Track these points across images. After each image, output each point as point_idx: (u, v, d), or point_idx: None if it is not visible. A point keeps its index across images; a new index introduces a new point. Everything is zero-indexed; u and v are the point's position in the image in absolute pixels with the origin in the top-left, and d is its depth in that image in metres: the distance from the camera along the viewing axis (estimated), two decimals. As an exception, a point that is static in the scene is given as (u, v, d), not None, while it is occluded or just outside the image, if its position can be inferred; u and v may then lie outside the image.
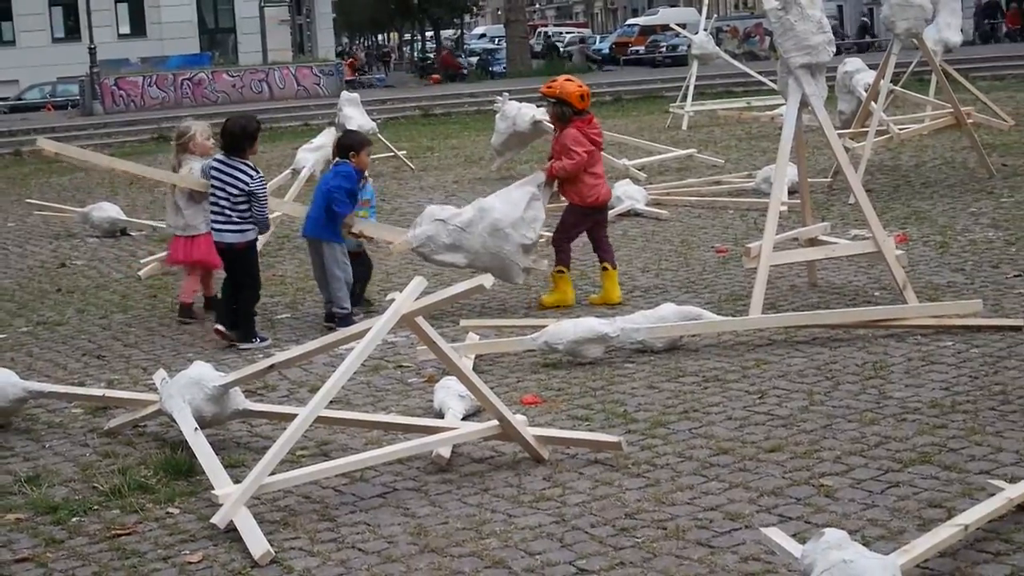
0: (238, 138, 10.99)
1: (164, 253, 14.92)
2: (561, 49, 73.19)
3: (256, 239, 11.33)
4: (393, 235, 11.94)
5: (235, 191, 10.87)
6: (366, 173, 11.73)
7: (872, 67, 19.11)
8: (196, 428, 7.61)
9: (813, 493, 6.71)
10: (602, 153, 12.07)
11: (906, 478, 6.82)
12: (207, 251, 11.69)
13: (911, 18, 16.47)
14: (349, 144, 11.58)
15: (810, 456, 7.25)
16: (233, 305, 11.08)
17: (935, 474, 6.84)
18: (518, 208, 11.43)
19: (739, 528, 6.32)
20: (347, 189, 11.26)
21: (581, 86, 11.74)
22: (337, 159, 11.60)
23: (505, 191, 11.79)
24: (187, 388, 7.85)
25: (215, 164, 11.07)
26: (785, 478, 6.94)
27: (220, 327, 10.98)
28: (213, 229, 11.14)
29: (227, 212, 10.91)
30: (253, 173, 10.89)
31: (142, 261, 14.98)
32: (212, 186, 11.07)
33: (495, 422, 7.45)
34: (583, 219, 11.78)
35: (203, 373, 7.93)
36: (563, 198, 11.86)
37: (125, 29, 55.66)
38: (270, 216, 11.63)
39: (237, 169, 10.90)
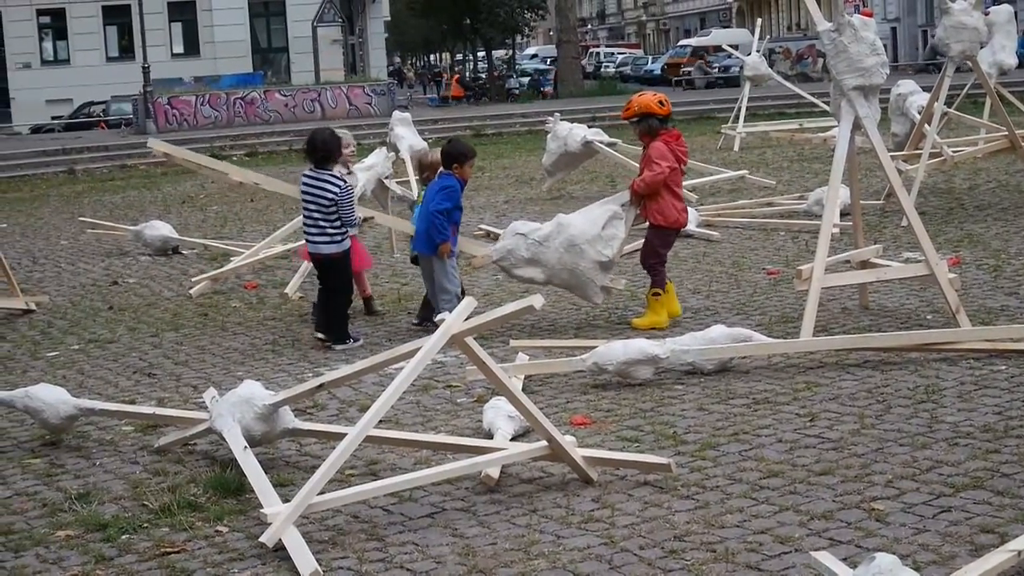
0: (323, 151, 11.39)
1: (214, 271, 15.05)
2: (613, 71, 73.24)
3: (349, 248, 11.56)
4: (476, 248, 12.00)
5: (325, 202, 11.28)
6: None
7: (926, 89, 19.01)
8: (245, 447, 7.63)
9: (864, 517, 6.66)
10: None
11: (958, 503, 6.76)
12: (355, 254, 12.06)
13: (965, 40, 16.39)
14: (454, 154, 11.69)
15: (861, 480, 7.20)
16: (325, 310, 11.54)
17: (988, 499, 6.78)
18: (596, 225, 11.43)
19: (789, 552, 6.28)
20: (449, 209, 11.45)
21: (656, 95, 11.71)
22: (441, 170, 11.70)
23: (588, 208, 11.80)
24: (237, 407, 7.87)
25: (304, 178, 11.44)
26: (836, 502, 6.89)
27: (319, 335, 11.49)
28: (308, 241, 11.59)
29: (320, 224, 11.34)
30: (340, 183, 11.30)
31: (193, 279, 15.08)
32: (304, 199, 11.43)
33: (544, 443, 7.43)
34: (666, 240, 11.68)
35: (253, 392, 7.95)
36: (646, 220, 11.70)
37: (179, 48, 56.10)
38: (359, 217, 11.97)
39: (325, 181, 11.29)
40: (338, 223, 11.34)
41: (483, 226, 18.01)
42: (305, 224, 11.55)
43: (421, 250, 11.67)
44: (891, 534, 6.42)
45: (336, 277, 11.55)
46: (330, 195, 11.25)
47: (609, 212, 11.54)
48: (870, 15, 12.56)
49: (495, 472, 7.49)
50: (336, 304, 11.54)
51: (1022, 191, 18.19)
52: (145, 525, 7.15)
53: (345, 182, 11.47)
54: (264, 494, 7.08)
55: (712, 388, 9.29)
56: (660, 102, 11.56)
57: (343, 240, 11.44)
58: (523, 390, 8.97)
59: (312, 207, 11.34)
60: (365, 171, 15.93)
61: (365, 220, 12.62)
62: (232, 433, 7.76)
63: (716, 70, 62.70)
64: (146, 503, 7.44)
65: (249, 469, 7.40)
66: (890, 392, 8.91)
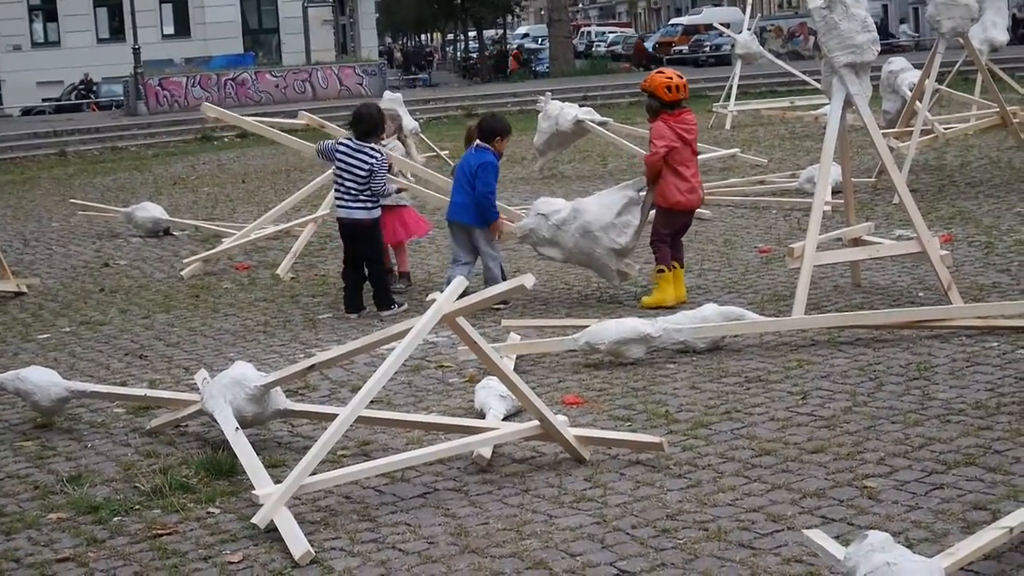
0: (369, 123, 11.86)
1: (206, 253, 15.03)
2: (604, 50, 73.19)
3: (380, 217, 11.98)
4: (504, 224, 12.18)
5: (362, 172, 11.65)
6: None
7: (917, 66, 18.99)
8: (237, 428, 7.61)
9: (856, 495, 6.66)
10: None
11: (950, 480, 6.76)
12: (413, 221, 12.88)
13: (957, 17, 16.37)
14: (496, 129, 11.95)
15: (853, 457, 7.20)
16: (359, 285, 12.00)
17: (980, 476, 6.78)
18: (611, 212, 11.46)
19: (781, 530, 6.28)
20: (495, 189, 11.79)
21: (671, 77, 11.52)
22: (478, 143, 11.87)
23: (604, 193, 11.85)
24: (228, 388, 7.85)
25: (341, 148, 11.83)
26: (828, 479, 6.89)
27: (351, 315, 11.85)
28: (338, 207, 12.00)
29: (353, 191, 11.72)
30: (377, 154, 11.73)
31: (185, 261, 15.06)
32: (338, 167, 11.79)
33: (536, 422, 7.43)
34: (668, 221, 11.54)
35: (244, 373, 7.93)
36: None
37: (169, 30, 55.96)
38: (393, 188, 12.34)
39: (363, 152, 11.69)
40: (369, 192, 11.70)
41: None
42: (337, 191, 11.94)
43: (461, 219, 11.83)
44: (883, 511, 6.41)
45: (368, 246, 11.94)
46: (366, 166, 11.64)
47: (625, 198, 11.55)
48: (861, -8, 12.48)
49: (487, 452, 7.48)
50: (374, 273, 11.95)
51: (1013, 168, 18.18)
52: (137, 507, 7.14)
53: (381, 153, 11.85)
54: (256, 475, 7.07)
55: (704, 366, 9.28)
56: (668, 88, 11.38)
57: (374, 208, 11.84)
58: (515, 370, 8.96)
59: (347, 175, 11.71)
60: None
61: (399, 191, 12.76)
62: (224, 414, 7.74)
63: (708, 48, 62.60)
64: (138, 485, 7.43)
65: (241, 450, 7.39)
66: (882, 369, 8.90)
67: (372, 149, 11.74)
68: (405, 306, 11.87)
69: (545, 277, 12.80)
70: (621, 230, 11.44)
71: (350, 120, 12.17)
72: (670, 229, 11.62)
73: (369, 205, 11.80)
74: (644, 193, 11.57)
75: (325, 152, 12.18)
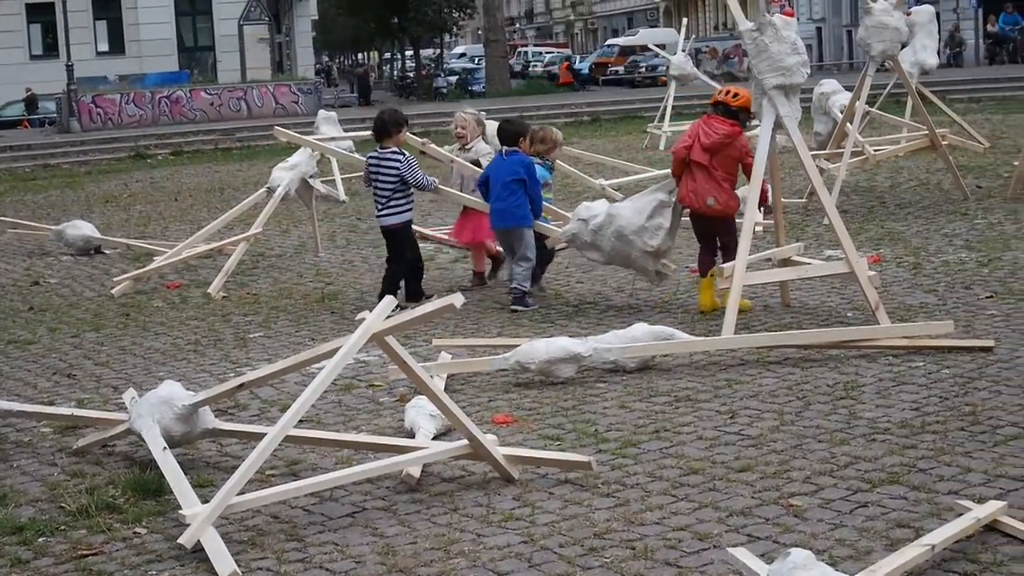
0: (386, 125, 12.66)
1: (137, 271, 14.95)
2: (541, 70, 73.36)
3: (411, 220, 12.82)
4: (549, 230, 12.48)
5: (391, 178, 12.47)
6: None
7: (848, 88, 19.16)
8: (165, 447, 7.57)
9: (782, 513, 6.70)
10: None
11: (875, 498, 6.82)
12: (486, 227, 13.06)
13: (887, 40, 16.55)
14: (518, 131, 12.63)
15: (780, 476, 7.25)
16: (416, 276, 12.84)
17: (904, 494, 6.84)
18: (642, 216, 11.67)
19: (707, 548, 6.31)
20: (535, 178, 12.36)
21: (730, 89, 12.00)
22: (507, 148, 12.45)
23: (637, 196, 12.11)
24: (156, 407, 7.80)
25: (371, 160, 12.64)
26: (754, 498, 6.94)
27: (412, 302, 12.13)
28: (377, 215, 12.79)
29: (385, 197, 12.53)
30: (401, 158, 12.48)
31: (115, 279, 14.95)
32: (371, 176, 12.64)
33: (465, 441, 7.43)
34: (692, 220, 11.95)
35: (173, 392, 7.89)
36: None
37: (104, 47, 55.59)
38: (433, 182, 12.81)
39: (388, 159, 12.49)
40: (400, 197, 12.48)
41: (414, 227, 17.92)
42: (375, 199, 12.73)
43: (503, 225, 12.34)
44: (808, 530, 6.46)
45: (395, 245, 12.68)
46: (394, 170, 12.42)
47: (655, 201, 11.76)
48: (791, 15, 12.64)
49: (416, 471, 7.48)
50: (392, 271, 12.67)
51: (942, 190, 18.37)
52: (62, 527, 7.09)
53: (406, 155, 12.57)
54: (183, 495, 7.03)
55: (634, 386, 9.32)
56: (724, 92, 11.94)
57: (403, 213, 12.57)
58: (445, 389, 8.99)
59: (380, 183, 12.55)
60: (289, 170, 15.92)
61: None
62: (151, 434, 7.69)
63: (643, 69, 62.92)
64: (63, 505, 7.37)
65: (168, 470, 7.34)
66: (810, 389, 8.97)
67: (395, 153, 12.50)
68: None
69: (477, 296, 12.82)
70: (653, 233, 11.64)
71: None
72: (695, 229, 12.08)
73: (399, 210, 12.54)
74: (674, 193, 11.76)
75: (365, 180, 12.99)
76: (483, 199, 12.61)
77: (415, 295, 12.62)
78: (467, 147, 13.74)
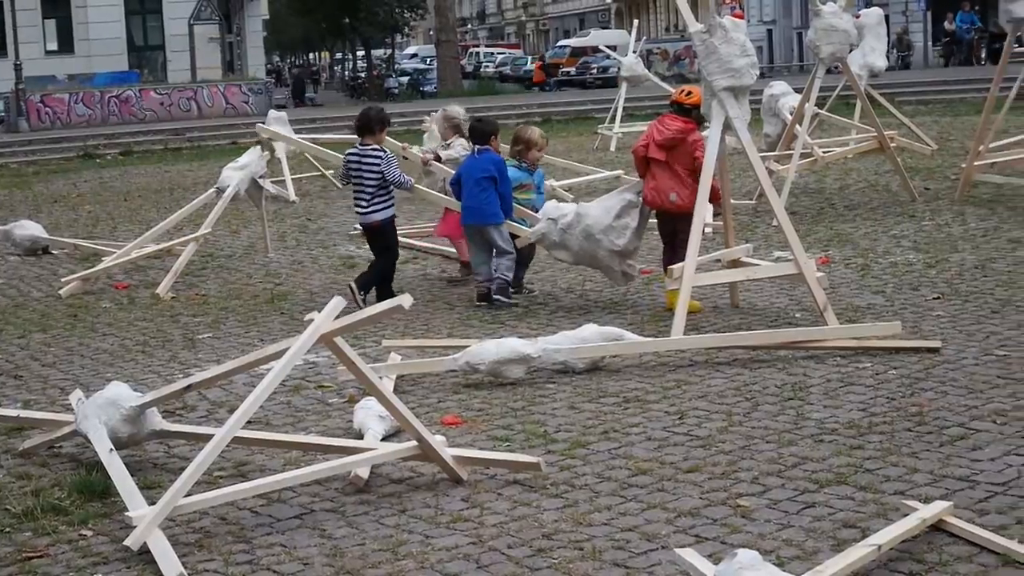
0: (370, 122, 12.77)
1: (84, 272, 14.85)
2: (492, 71, 73.44)
3: (394, 216, 12.84)
4: (518, 229, 12.49)
5: (373, 175, 12.51)
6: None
7: (798, 90, 19.24)
8: (112, 449, 7.52)
9: (730, 513, 6.72)
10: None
11: (822, 498, 6.85)
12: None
13: (836, 43, 16.63)
14: (490, 130, 12.79)
15: (728, 477, 7.27)
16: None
17: (851, 495, 6.88)
18: (610, 215, 11.74)
19: (655, 548, 6.32)
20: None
21: (685, 88, 12.17)
22: (478, 146, 12.65)
23: (606, 197, 12.20)
24: (103, 408, 7.75)
25: (351, 156, 12.69)
26: (702, 498, 6.96)
27: (353, 285, 12.41)
28: (357, 212, 12.92)
29: (368, 195, 12.56)
30: (382, 155, 12.57)
31: (63, 279, 14.85)
32: (350, 173, 12.69)
33: (414, 443, 7.42)
34: (657, 219, 12.05)
35: (120, 393, 7.84)
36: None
37: (52, 46, 55.10)
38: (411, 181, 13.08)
39: (370, 156, 12.54)
40: (382, 193, 12.55)
41: (358, 225, 17.89)
42: (354, 197, 12.76)
43: (476, 221, 12.44)
44: (756, 530, 6.48)
45: (382, 243, 12.81)
46: (376, 167, 12.48)
47: (624, 201, 11.83)
48: (741, 17, 12.71)
49: (364, 472, 7.47)
50: (379, 267, 12.76)
51: (890, 191, 18.47)
52: (7, 529, 7.04)
53: (386, 152, 12.69)
54: (130, 497, 6.99)
55: (583, 387, 9.33)
56: (680, 91, 12.16)
57: (385, 209, 12.62)
58: (395, 390, 8.97)
59: (362, 180, 12.58)
60: (239, 170, 15.85)
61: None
62: (98, 435, 7.65)
63: (595, 70, 63.02)
64: (8, 507, 7.31)
65: (115, 471, 7.30)
66: (758, 390, 9.01)
67: (375, 150, 12.57)
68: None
69: (427, 297, 12.81)
70: (620, 232, 11.70)
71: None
72: (661, 228, 12.14)
73: (382, 207, 12.60)
74: (642, 193, 11.83)
75: (342, 176, 13.04)
76: (456, 197, 12.81)
77: (384, 294, 12.54)
78: (447, 144, 14.23)
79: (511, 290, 12.37)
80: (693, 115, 11.66)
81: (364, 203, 12.62)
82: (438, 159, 13.98)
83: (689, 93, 11.80)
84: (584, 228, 11.74)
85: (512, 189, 12.54)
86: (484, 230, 12.41)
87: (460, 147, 13.87)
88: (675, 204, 11.60)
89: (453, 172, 13.04)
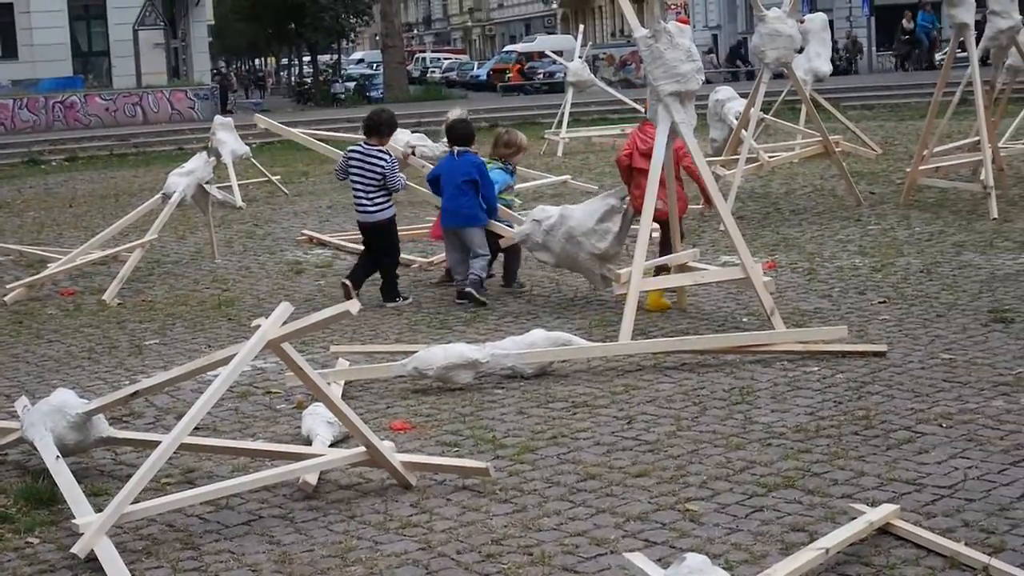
0: (379, 126, 12.92)
1: (30, 278, 14.74)
2: (439, 76, 73.30)
3: (395, 215, 13.02)
4: (501, 229, 12.76)
5: (375, 176, 12.65)
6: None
7: (743, 95, 19.33)
8: (58, 456, 7.47)
9: (678, 518, 6.74)
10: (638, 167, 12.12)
11: (770, 502, 6.88)
12: None
13: (781, 48, 16.70)
14: (470, 132, 13.00)
15: (676, 481, 7.29)
16: (368, 271, 12.95)
17: (798, 498, 6.91)
18: (592, 218, 11.82)
19: (604, 553, 6.33)
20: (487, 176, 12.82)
21: None
22: (458, 148, 12.81)
23: (590, 201, 12.33)
24: (49, 415, 7.70)
25: (353, 155, 12.81)
26: (651, 503, 6.97)
27: (347, 281, 12.69)
28: (357, 211, 12.99)
29: (371, 194, 12.71)
30: (388, 157, 12.76)
31: (8, 286, 14.73)
32: (350, 170, 12.81)
33: (362, 448, 7.41)
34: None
35: (66, 400, 7.79)
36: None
37: (-5, 51, 54.77)
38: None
39: (375, 157, 12.70)
40: (385, 192, 12.69)
41: (306, 231, 17.88)
42: (355, 196, 12.87)
43: (455, 224, 12.72)
44: (704, 534, 6.51)
45: (386, 243, 12.93)
46: (379, 169, 12.64)
47: (607, 205, 11.91)
48: (686, 22, 12.82)
49: (313, 478, 7.45)
50: (386, 266, 12.89)
51: (836, 196, 18.57)
52: (-48, 538, 6.98)
53: (391, 155, 12.90)
54: (76, 504, 6.94)
55: (532, 392, 9.34)
56: None
57: (386, 208, 12.80)
58: (343, 395, 8.96)
59: (364, 180, 12.71)
60: (185, 176, 15.78)
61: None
62: (44, 442, 7.59)
63: (541, 75, 63.10)
64: (-46, 515, 7.26)
65: (61, 479, 7.25)
66: (706, 394, 9.03)
67: (381, 152, 12.73)
68: (410, 299, 12.79)
69: (375, 302, 12.78)
70: (602, 236, 11.76)
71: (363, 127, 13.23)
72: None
73: (384, 206, 12.78)
74: (626, 199, 11.96)
75: (339, 169, 13.15)
76: (434, 192, 13.21)
77: (388, 293, 12.91)
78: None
79: (483, 288, 12.58)
80: None
81: (367, 202, 12.77)
82: (413, 153, 14.79)
83: None
84: (567, 230, 11.83)
85: (499, 192, 12.92)
86: (464, 232, 12.62)
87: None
88: (658, 209, 11.60)
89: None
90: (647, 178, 11.48)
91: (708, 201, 11.79)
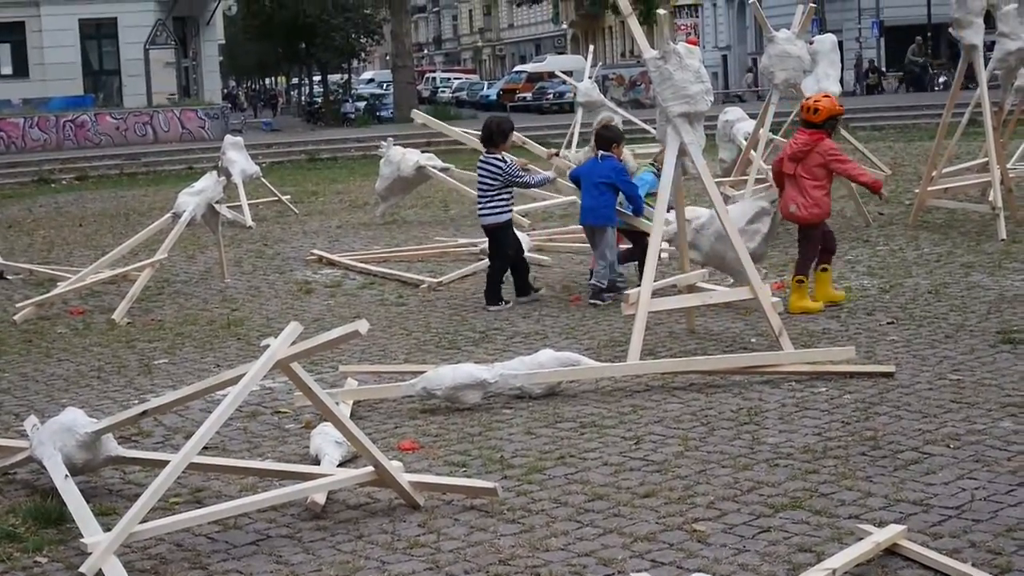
0: (492, 134, 13.72)
1: (40, 297, 14.78)
2: (449, 96, 73.45)
3: (511, 220, 13.75)
4: (646, 226, 12.91)
5: (493, 180, 13.43)
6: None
7: (753, 116, 19.35)
8: (67, 475, 7.49)
9: (686, 538, 6.75)
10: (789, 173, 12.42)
11: (777, 523, 6.88)
12: None
13: (790, 69, 16.76)
14: (613, 137, 13.60)
15: (684, 501, 7.30)
16: (515, 274, 13.74)
17: (806, 519, 6.91)
18: (743, 219, 12.19)
19: (612, 573, 6.34)
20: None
21: (817, 101, 12.58)
22: (602, 152, 13.45)
23: (741, 202, 12.80)
24: (58, 434, 7.72)
25: (479, 163, 13.76)
26: (659, 523, 6.98)
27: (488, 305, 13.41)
28: (478, 214, 13.81)
29: (488, 197, 13.50)
30: (503, 163, 13.49)
31: (18, 305, 14.78)
32: (479, 177, 13.63)
33: (370, 468, 7.42)
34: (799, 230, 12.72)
35: (75, 419, 7.82)
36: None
37: (7, 70, 54.81)
38: (531, 181, 14.21)
39: (490, 162, 13.49)
40: (500, 198, 13.45)
41: (315, 251, 17.94)
42: (479, 198, 13.67)
43: (593, 222, 13.42)
44: (712, 555, 6.51)
45: (495, 243, 13.59)
46: (493, 171, 13.41)
47: (758, 207, 12.44)
48: (695, 43, 12.91)
49: (321, 498, 7.46)
50: (492, 269, 13.59)
51: (844, 217, 18.55)
52: (-39, 557, 7.00)
53: (507, 160, 13.57)
54: (85, 523, 6.96)
55: (540, 412, 9.35)
56: (805, 108, 12.60)
57: (501, 212, 13.50)
58: (351, 415, 8.97)
59: (483, 184, 13.52)
60: (195, 195, 15.83)
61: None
62: (53, 461, 7.61)
63: (551, 95, 63.20)
64: (-37, 534, 7.28)
65: (70, 498, 7.27)
66: (714, 414, 9.04)
67: (497, 159, 13.45)
68: (511, 304, 13.38)
69: (384, 323, 12.81)
70: (751, 236, 12.12)
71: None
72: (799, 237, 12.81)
73: (497, 211, 13.49)
74: (776, 203, 12.52)
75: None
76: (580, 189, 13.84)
77: (523, 290, 13.68)
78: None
79: (603, 296, 13.15)
80: (825, 126, 12.39)
81: (482, 205, 13.55)
82: (557, 155, 16.06)
83: (816, 111, 12.36)
84: (717, 229, 11.94)
85: (647, 195, 13.48)
86: (598, 231, 13.29)
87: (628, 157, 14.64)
88: (795, 215, 12.32)
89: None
90: (790, 183, 12.32)
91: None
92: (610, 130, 13.96)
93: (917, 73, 55.73)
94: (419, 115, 16.83)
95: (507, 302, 13.38)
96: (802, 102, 13.12)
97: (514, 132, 14.55)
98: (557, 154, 16.27)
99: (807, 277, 12.46)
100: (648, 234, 12.57)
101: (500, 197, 13.49)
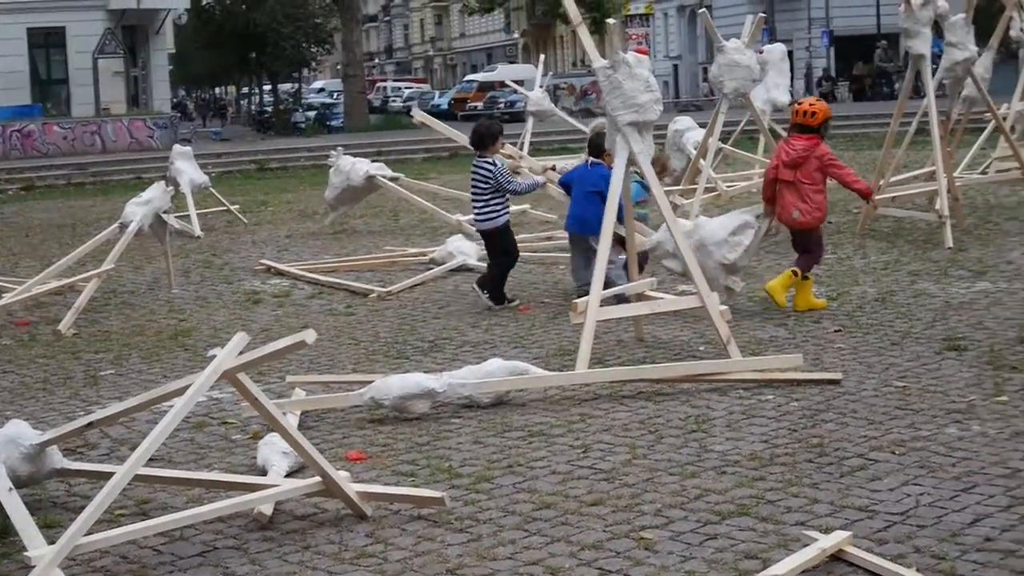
0: (482, 138, 13.94)
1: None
2: (400, 105, 73.41)
3: (508, 222, 13.93)
4: (643, 228, 13.18)
5: (484, 184, 13.67)
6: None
7: (702, 125, 19.43)
8: (11, 488, 7.39)
9: (633, 546, 6.75)
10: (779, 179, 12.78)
11: (724, 530, 6.90)
12: None
13: (739, 78, 16.87)
14: (602, 146, 13.17)
15: (631, 509, 7.30)
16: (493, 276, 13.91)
17: (752, 526, 6.93)
18: (726, 230, 12.23)
19: (559, 583, 6.34)
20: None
21: (812, 105, 12.97)
22: (591, 159, 13.63)
23: (725, 215, 12.77)
24: (2, 446, 7.63)
25: (472, 166, 13.87)
26: (606, 531, 6.98)
27: (476, 286, 13.95)
28: (474, 219, 14.15)
29: (483, 202, 13.74)
30: (492, 167, 13.68)
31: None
32: (472, 181, 13.81)
33: (318, 479, 7.40)
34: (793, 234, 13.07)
35: (19, 431, 7.75)
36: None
37: (-47, 79, 54.50)
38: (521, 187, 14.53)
39: (481, 167, 13.74)
40: (495, 201, 13.64)
41: (264, 261, 17.88)
42: (472, 204, 13.99)
43: (581, 231, 13.40)
44: (659, 562, 6.52)
45: (498, 247, 13.85)
46: (485, 174, 13.63)
47: (741, 220, 12.42)
48: (645, 52, 12.94)
49: (268, 509, 7.43)
50: (497, 266, 13.86)
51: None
52: (-97, 570, 6.94)
53: (496, 164, 13.78)
54: (29, 536, 6.88)
55: (488, 421, 9.34)
56: (802, 112, 12.88)
57: (498, 217, 13.73)
58: (300, 426, 8.94)
59: (474, 189, 13.77)
60: (143, 205, 15.75)
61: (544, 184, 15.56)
62: (-3, 474, 7.54)
63: (502, 105, 63.24)
64: (-95, 548, 7.21)
65: (13, 510, 7.18)
66: (662, 422, 9.06)
67: (487, 163, 13.66)
68: (517, 302, 13.73)
69: (333, 332, 12.78)
70: (732, 247, 12.14)
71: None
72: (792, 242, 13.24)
73: (493, 215, 13.74)
74: (760, 217, 12.74)
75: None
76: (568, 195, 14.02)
77: (498, 299, 13.75)
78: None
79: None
80: (820, 131, 12.72)
81: (478, 211, 13.81)
82: (553, 168, 16.08)
83: (814, 115, 12.69)
84: (699, 239, 12.06)
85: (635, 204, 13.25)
86: (586, 239, 13.17)
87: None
88: (797, 221, 12.57)
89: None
90: (788, 189, 12.58)
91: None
92: (603, 137, 13.67)
93: (888, 76, 55.84)
94: (419, 114, 17.01)
95: (511, 300, 13.69)
96: (795, 107, 13.22)
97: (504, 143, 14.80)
98: (554, 167, 16.22)
99: (811, 276, 12.77)
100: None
101: (495, 201, 13.68)
